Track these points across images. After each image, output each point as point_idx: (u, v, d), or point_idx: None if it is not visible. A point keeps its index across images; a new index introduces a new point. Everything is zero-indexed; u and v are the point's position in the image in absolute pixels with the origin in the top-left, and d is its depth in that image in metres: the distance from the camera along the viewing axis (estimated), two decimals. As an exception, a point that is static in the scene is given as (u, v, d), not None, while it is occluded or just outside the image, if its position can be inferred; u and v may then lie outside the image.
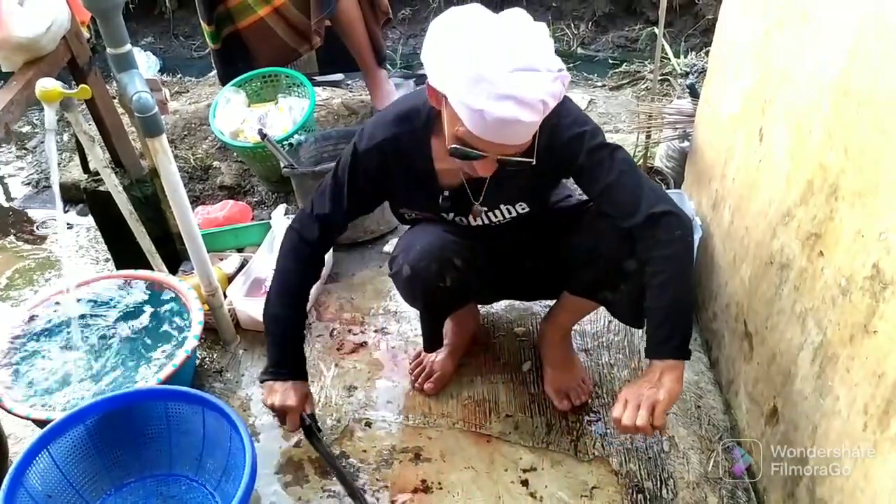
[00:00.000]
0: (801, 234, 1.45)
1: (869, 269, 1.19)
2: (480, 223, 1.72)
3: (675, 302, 1.48)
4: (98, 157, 1.98)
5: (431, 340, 1.90)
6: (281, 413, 1.74)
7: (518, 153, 1.40)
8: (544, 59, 1.31)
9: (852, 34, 1.27)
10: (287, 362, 1.75)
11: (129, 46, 1.69)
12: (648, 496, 1.71)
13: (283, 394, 1.71)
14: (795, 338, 1.48)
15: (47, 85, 1.69)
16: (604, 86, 3.44)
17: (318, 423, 1.78)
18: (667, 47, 3.29)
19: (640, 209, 1.47)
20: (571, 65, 3.83)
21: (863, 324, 1.21)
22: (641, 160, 2.33)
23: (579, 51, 4.30)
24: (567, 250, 1.70)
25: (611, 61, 3.93)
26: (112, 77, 1.90)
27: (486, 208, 1.68)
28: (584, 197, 1.73)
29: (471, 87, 1.29)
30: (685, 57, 3.40)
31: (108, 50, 1.69)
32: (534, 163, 1.43)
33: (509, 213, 1.69)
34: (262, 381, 1.78)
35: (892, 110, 1.13)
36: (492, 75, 1.27)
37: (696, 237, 2.01)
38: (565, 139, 1.51)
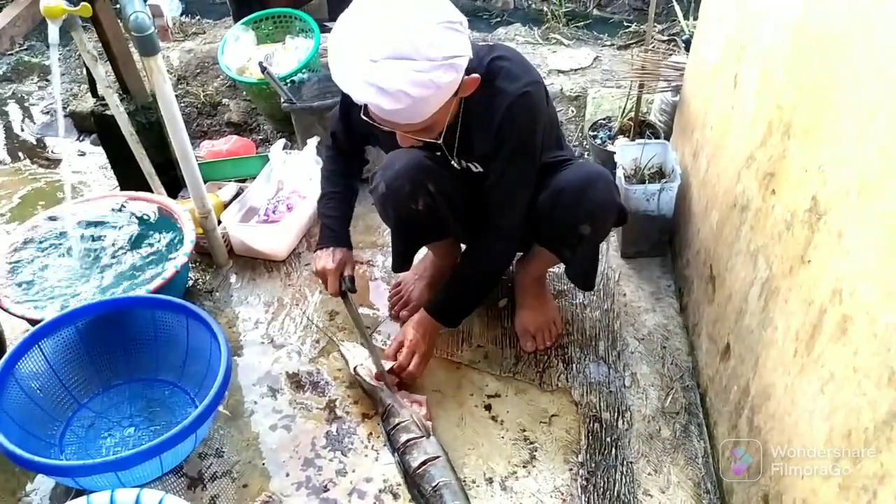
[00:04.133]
0: (760, 174, 1.49)
1: (808, 202, 1.24)
2: (459, 168, 1.77)
3: (473, 290, 1.86)
4: (101, 76, 2.07)
5: (400, 261, 1.98)
6: (322, 277, 1.90)
7: (416, 130, 1.46)
8: (424, 46, 1.30)
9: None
10: (328, 232, 1.91)
11: (129, -33, 1.76)
12: (605, 425, 1.78)
13: (324, 259, 1.88)
14: (748, 276, 1.53)
15: (51, 2, 1.78)
16: (612, 45, 3.45)
17: (355, 286, 1.92)
18: (678, 9, 3.28)
19: (500, 216, 1.72)
20: (583, 24, 3.83)
21: (800, 255, 1.26)
22: (633, 111, 2.36)
23: (595, 12, 4.28)
24: (536, 204, 1.74)
25: (625, 23, 3.91)
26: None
27: (459, 160, 1.74)
28: (564, 155, 1.81)
29: (344, 71, 1.35)
30: (695, 20, 3.39)
31: (110, -30, 1.76)
32: (439, 142, 1.53)
33: (476, 168, 1.74)
34: (313, 254, 1.95)
35: (839, 45, 1.17)
36: (360, 63, 1.31)
37: (675, 185, 2.06)
38: (501, 121, 1.56)
